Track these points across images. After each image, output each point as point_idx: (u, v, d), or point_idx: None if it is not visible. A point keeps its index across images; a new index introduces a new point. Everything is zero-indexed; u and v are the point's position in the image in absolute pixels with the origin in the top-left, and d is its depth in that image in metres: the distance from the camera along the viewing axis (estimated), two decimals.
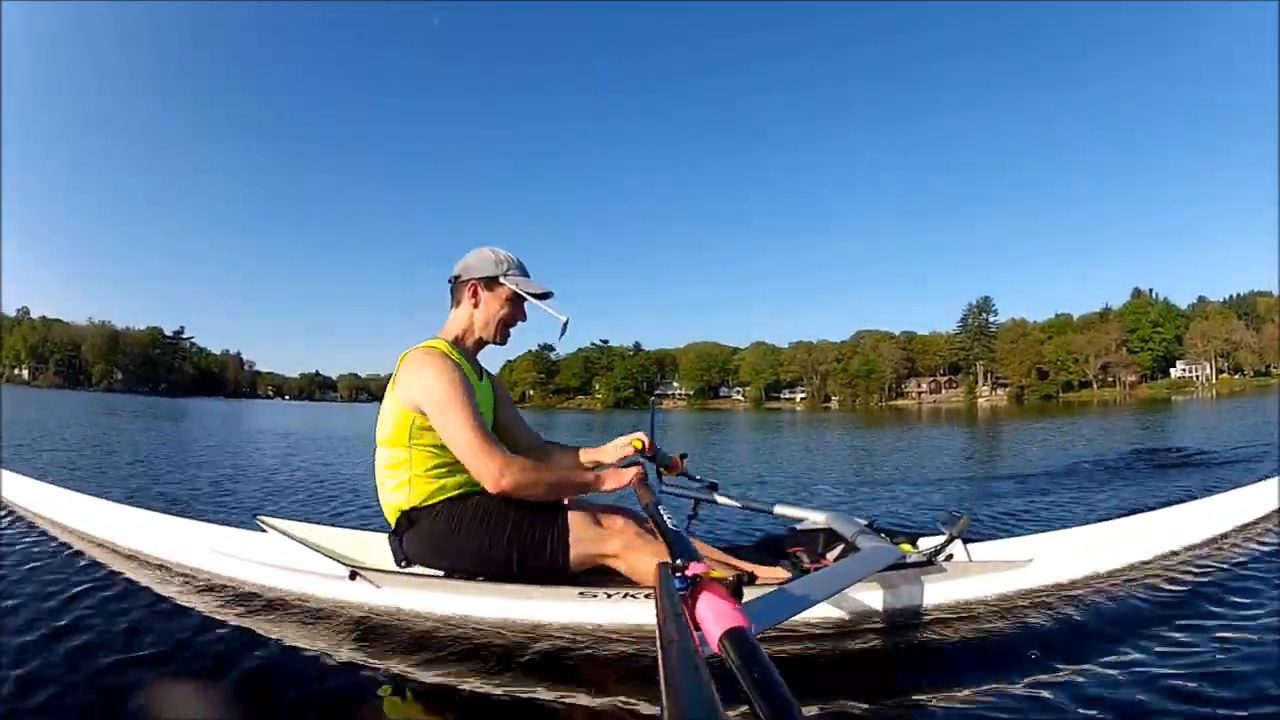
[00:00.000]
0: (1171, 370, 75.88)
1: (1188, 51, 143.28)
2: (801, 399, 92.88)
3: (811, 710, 1.46)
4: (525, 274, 1.99)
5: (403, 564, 1.89)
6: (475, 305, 1.96)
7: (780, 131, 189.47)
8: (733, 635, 0.82)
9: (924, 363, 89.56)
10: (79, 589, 2.18)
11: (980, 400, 77.39)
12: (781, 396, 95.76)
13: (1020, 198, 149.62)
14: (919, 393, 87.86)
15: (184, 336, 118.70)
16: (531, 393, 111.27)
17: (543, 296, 1.97)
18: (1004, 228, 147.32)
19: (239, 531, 2.50)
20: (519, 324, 2.03)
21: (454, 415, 1.73)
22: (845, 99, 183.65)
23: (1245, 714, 1.38)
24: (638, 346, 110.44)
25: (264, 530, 2.28)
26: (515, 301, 1.98)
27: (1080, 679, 1.54)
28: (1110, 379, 76.02)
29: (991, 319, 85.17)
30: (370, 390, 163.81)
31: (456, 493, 1.85)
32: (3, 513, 3.23)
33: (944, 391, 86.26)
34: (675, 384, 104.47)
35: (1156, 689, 1.49)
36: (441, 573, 1.90)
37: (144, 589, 2.20)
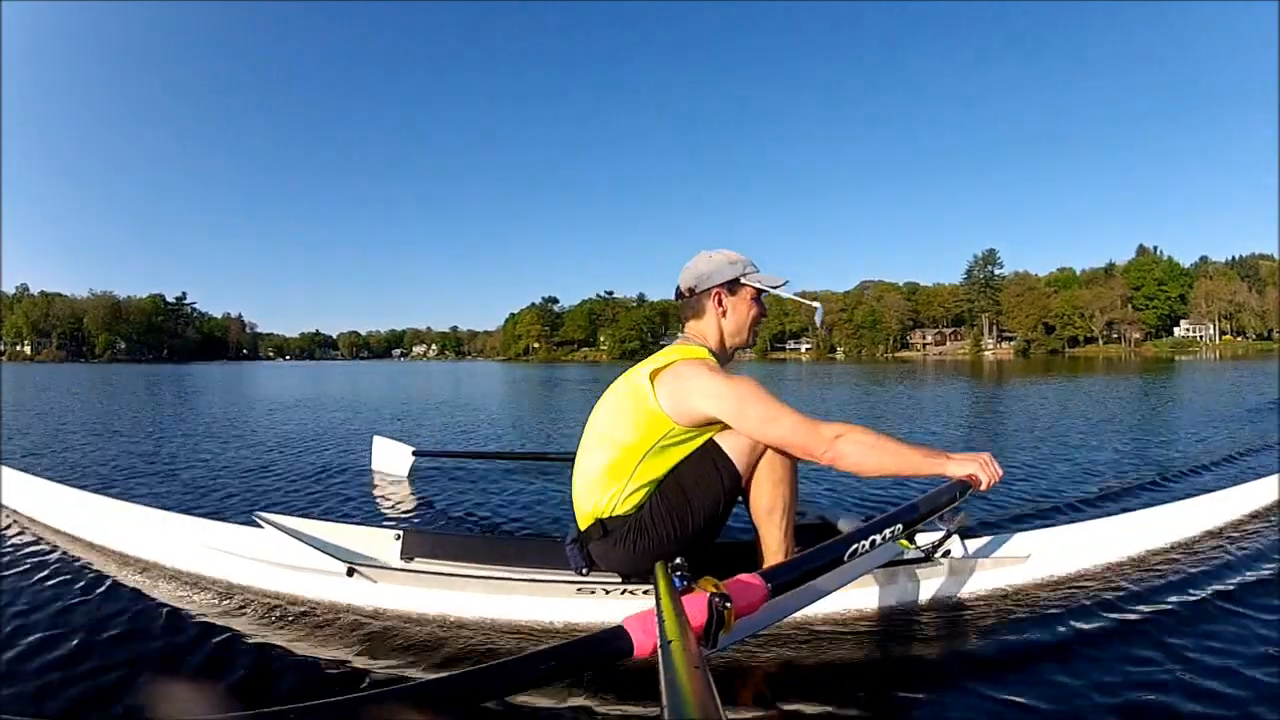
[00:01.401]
0: (1175, 329, 76.52)
1: (1192, 19, 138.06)
2: (807, 350, 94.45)
3: (807, 709, 1.46)
4: (757, 268, 1.91)
5: (584, 571, 1.81)
6: (723, 313, 1.88)
7: (789, 86, 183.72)
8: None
9: (928, 314, 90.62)
10: (72, 585, 2.16)
11: (986, 354, 78.56)
12: (786, 347, 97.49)
13: (1024, 151, 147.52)
14: (924, 344, 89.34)
15: (186, 302, 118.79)
16: (536, 345, 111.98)
17: (779, 287, 1.90)
18: (1007, 180, 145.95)
19: (235, 527, 2.46)
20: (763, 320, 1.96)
21: (764, 404, 1.65)
22: (856, 58, 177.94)
23: (1245, 712, 1.38)
24: (641, 298, 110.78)
25: (261, 526, 2.26)
26: (757, 299, 1.91)
27: (1077, 676, 1.55)
28: (1115, 335, 76.96)
29: (997, 272, 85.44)
30: (370, 348, 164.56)
31: (649, 503, 1.76)
32: None
33: (948, 344, 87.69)
34: (680, 335, 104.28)
35: (1154, 686, 1.49)
36: (622, 577, 1.81)
37: (139, 586, 2.17)
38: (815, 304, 1.92)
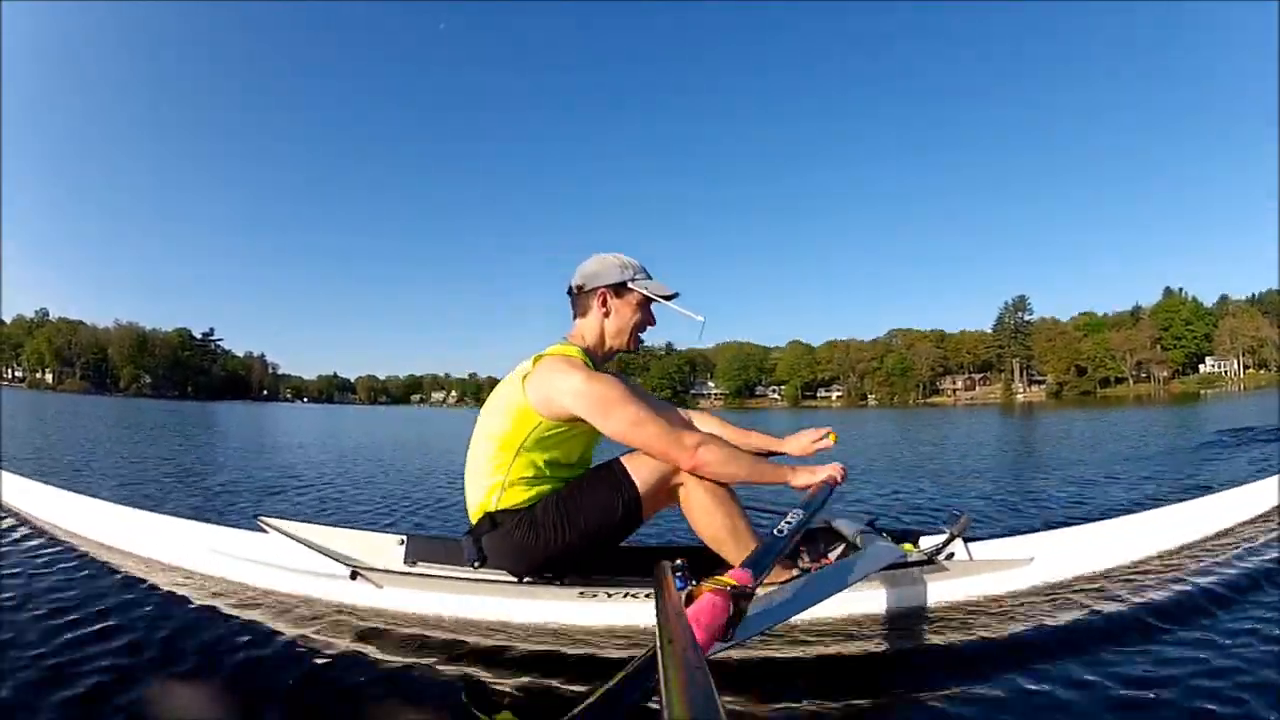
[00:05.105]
0: (1201, 366, 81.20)
1: (1189, 55, 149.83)
2: (838, 397, 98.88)
3: (808, 710, 1.50)
4: (650, 276, 2.01)
5: (475, 565, 1.89)
6: (606, 314, 1.97)
7: (806, 131, 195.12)
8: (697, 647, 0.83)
9: (956, 360, 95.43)
10: (78, 591, 2.22)
11: (1017, 397, 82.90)
12: (818, 395, 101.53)
13: (1040, 198, 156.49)
14: (954, 390, 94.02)
15: (213, 338, 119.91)
16: None
17: (670, 298, 1.99)
18: (1023, 227, 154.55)
19: (240, 532, 2.53)
20: (649, 328, 2.04)
21: (629, 408, 1.78)
22: (874, 99, 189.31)
23: (1246, 713, 1.41)
24: (670, 346, 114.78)
25: (265, 530, 2.33)
26: (645, 306, 2.00)
27: (1081, 678, 1.58)
28: (1144, 375, 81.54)
29: (1026, 318, 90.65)
30: (389, 392, 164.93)
31: (541, 501, 1.86)
32: (1, 514, 3.23)
33: (978, 389, 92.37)
34: (710, 384, 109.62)
35: (1158, 688, 1.51)
36: (515, 575, 1.92)
37: (144, 590, 2.24)
38: (699, 317, 1.99)
